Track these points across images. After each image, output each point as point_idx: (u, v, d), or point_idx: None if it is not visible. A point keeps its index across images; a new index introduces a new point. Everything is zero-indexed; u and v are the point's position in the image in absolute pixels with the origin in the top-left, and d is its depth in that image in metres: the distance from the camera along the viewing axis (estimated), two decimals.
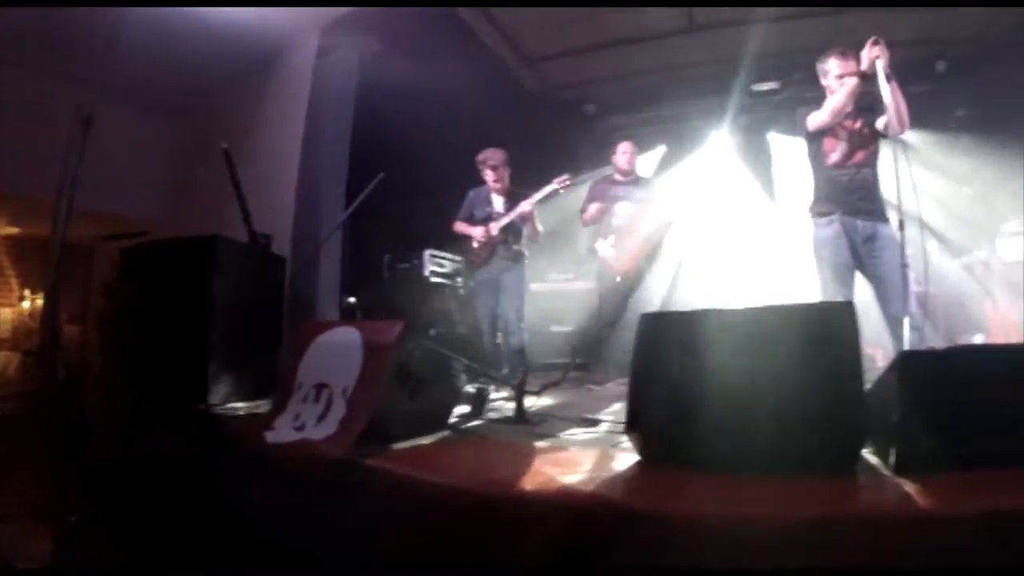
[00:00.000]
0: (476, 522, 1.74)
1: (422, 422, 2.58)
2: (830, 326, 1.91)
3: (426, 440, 2.49)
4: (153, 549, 2.54)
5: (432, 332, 5.00)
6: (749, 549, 1.45)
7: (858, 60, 3.29)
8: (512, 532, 1.67)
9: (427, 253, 5.46)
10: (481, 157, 4.78)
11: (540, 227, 4.83)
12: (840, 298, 3.26)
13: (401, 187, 4.52)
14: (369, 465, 2.09)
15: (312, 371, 2.66)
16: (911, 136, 6.95)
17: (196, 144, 5.65)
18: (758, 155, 7.41)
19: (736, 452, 1.82)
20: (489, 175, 4.77)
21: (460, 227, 4.92)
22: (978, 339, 5.57)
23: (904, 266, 3.10)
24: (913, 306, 3.25)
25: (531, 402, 3.10)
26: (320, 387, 2.55)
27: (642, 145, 7.16)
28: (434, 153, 5.53)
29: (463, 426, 2.82)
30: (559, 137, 7.50)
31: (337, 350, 2.61)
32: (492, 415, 3.09)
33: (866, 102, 3.46)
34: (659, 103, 7.55)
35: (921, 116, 6.79)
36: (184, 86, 5.57)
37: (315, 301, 4.96)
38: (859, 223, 3.36)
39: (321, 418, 2.44)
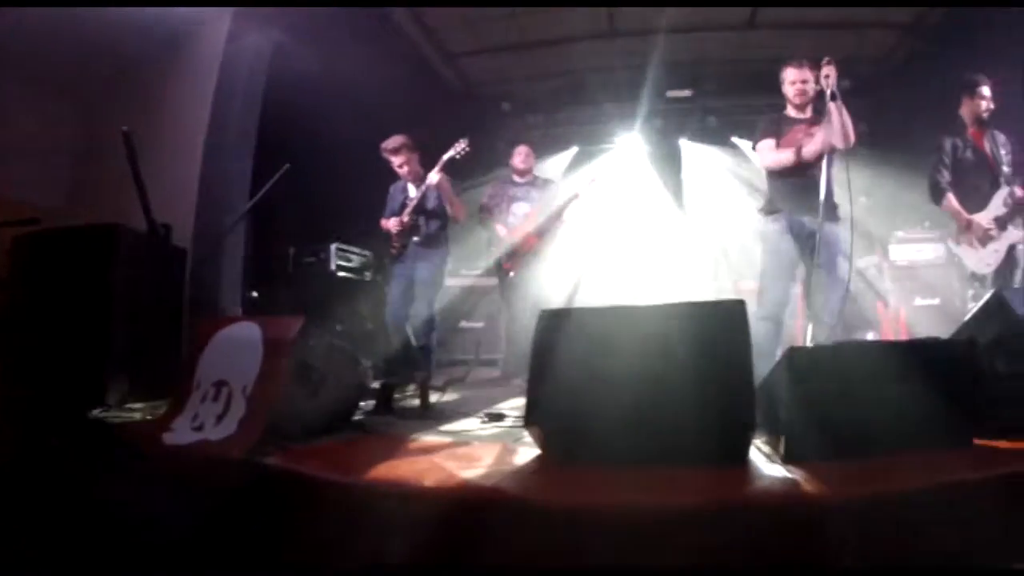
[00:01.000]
0: (377, 519, 1.73)
1: (325, 420, 2.52)
2: (722, 323, 2.00)
3: (329, 439, 2.43)
4: (38, 559, 2.37)
5: (338, 328, 4.87)
6: (645, 538, 1.50)
7: (811, 70, 3.54)
8: (412, 527, 1.67)
9: (333, 247, 5.29)
10: (383, 145, 4.59)
11: (460, 204, 4.68)
12: (775, 289, 3.49)
13: (310, 179, 4.40)
14: (269, 466, 2.03)
15: (211, 369, 2.56)
16: None
17: (101, 129, 5.30)
18: (668, 159, 7.62)
19: (632, 445, 1.87)
20: (394, 161, 4.57)
21: (383, 224, 4.71)
22: (871, 336, 5.92)
23: (833, 267, 3.35)
24: (840, 307, 3.42)
25: (436, 398, 3.10)
26: (219, 385, 2.45)
27: (555, 145, 7.33)
28: (345, 146, 5.32)
29: (367, 423, 2.77)
30: (477, 134, 7.45)
31: (237, 347, 2.51)
32: (397, 411, 3.06)
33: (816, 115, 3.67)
34: (574, 104, 7.64)
35: None
36: (88, 67, 5.22)
37: (217, 296, 4.67)
38: (806, 220, 3.51)
39: (220, 418, 2.35)
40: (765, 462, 1.91)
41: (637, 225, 7.47)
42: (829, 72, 3.31)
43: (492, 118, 7.73)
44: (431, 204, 4.59)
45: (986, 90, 4.03)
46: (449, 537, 1.63)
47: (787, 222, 3.54)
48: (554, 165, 7.28)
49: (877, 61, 7.14)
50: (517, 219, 5.00)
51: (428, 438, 2.45)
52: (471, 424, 2.75)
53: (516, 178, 5.21)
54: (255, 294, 4.91)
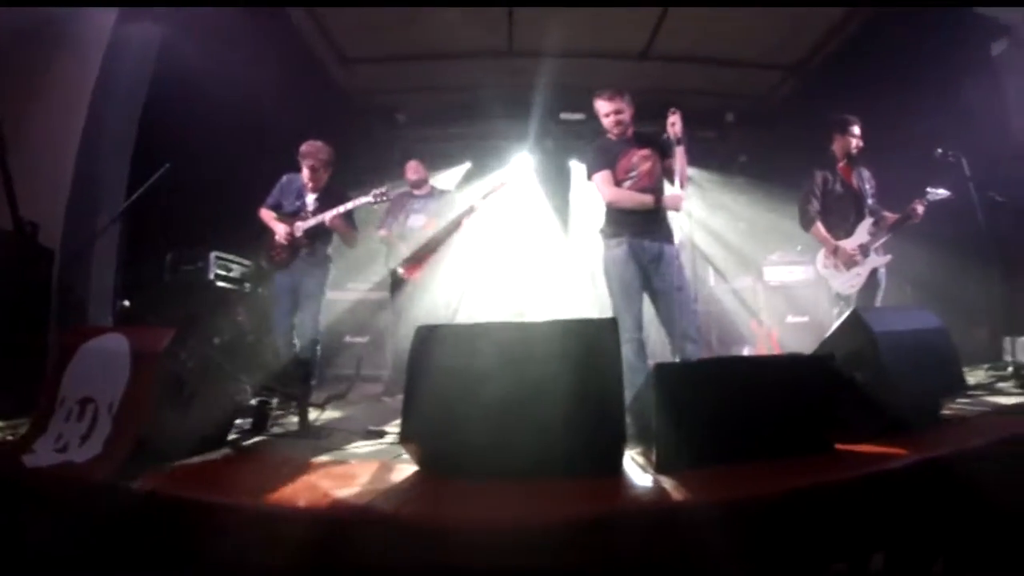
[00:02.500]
0: (248, 542, 1.69)
1: (197, 439, 2.40)
2: (593, 340, 2.09)
3: (201, 459, 2.34)
4: None
5: (215, 341, 4.67)
6: (521, 551, 1.54)
7: (622, 101, 3.72)
8: (283, 550, 1.63)
9: (213, 255, 4.99)
10: (304, 149, 4.41)
11: (355, 235, 4.61)
12: (627, 312, 3.54)
13: (191, 182, 4.18)
14: (136, 488, 1.92)
15: (76, 384, 2.39)
16: (700, 175, 7.87)
17: None
18: (558, 179, 7.82)
19: (509, 459, 1.92)
20: (306, 173, 4.42)
21: (265, 216, 4.49)
22: (746, 351, 6.33)
23: (679, 289, 3.44)
24: (694, 322, 3.58)
25: (316, 415, 3.04)
26: (85, 402, 2.30)
27: (447, 160, 7.30)
28: (230, 149, 5.12)
29: (243, 442, 2.69)
30: (369, 142, 7.34)
31: (103, 360, 2.36)
32: (276, 430, 2.98)
33: (652, 138, 3.84)
34: (469, 119, 7.65)
35: (709, 158, 7.81)
36: None
37: (86, 303, 4.35)
38: (646, 244, 3.63)
39: (85, 438, 2.20)
40: (639, 472, 2.00)
41: (524, 243, 7.62)
42: (675, 120, 3.53)
43: (385, 128, 7.65)
44: (339, 230, 4.49)
45: (857, 129, 4.41)
46: (321, 558, 1.61)
47: (629, 246, 3.63)
48: (447, 179, 7.23)
49: (760, 97, 7.64)
50: (413, 232, 4.99)
51: (306, 457, 2.39)
52: (351, 442, 2.71)
53: (413, 191, 5.24)
54: (127, 303, 4.59)
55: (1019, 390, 3.43)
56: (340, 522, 1.67)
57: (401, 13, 5.62)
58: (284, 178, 4.59)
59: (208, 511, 1.78)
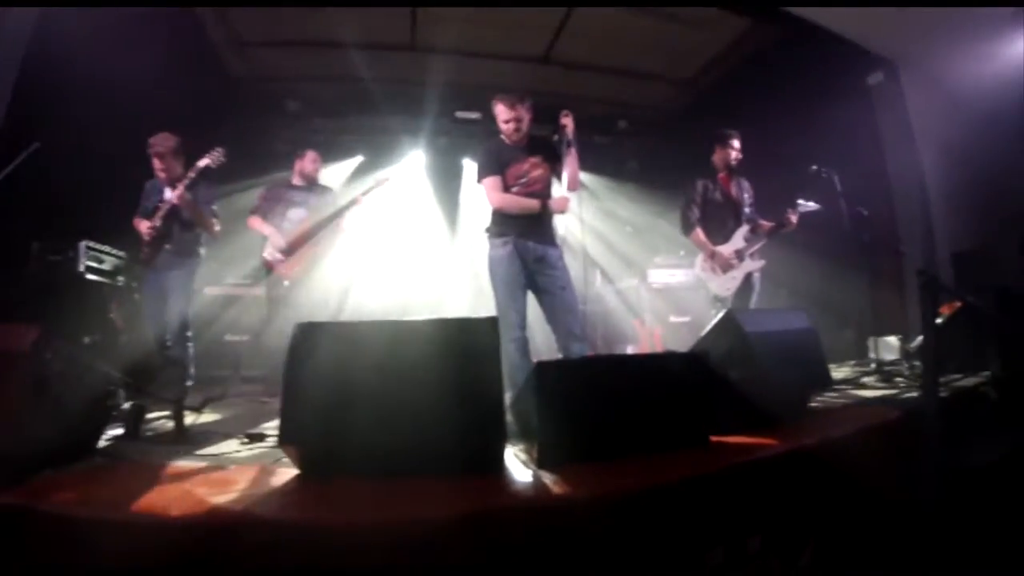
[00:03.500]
0: (122, 555, 1.58)
1: (65, 447, 2.23)
2: (474, 339, 2.10)
3: (70, 467, 2.18)
4: None
5: (85, 339, 4.34)
6: (405, 550, 1.54)
7: (523, 109, 3.70)
8: (157, 559, 1.54)
9: (83, 245, 4.68)
10: (152, 141, 4.24)
11: (212, 218, 4.42)
12: (512, 311, 3.56)
13: (62, 165, 3.87)
14: None
15: None
16: (591, 180, 8.10)
17: None
18: (450, 176, 7.84)
19: (391, 459, 1.91)
20: (156, 163, 4.24)
21: (135, 223, 4.35)
22: (630, 349, 6.58)
23: (563, 288, 3.51)
24: (580, 321, 3.65)
25: (192, 419, 2.91)
26: None
27: (339, 152, 7.11)
28: (108, 130, 4.70)
29: (115, 449, 2.51)
30: (257, 130, 7.00)
31: None
32: (149, 435, 2.83)
33: (546, 143, 3.86)
34: (364, 112, 7.48)
35: (600, 164, 8.05)
36: None
37: None
38: (531, 244, 3.66)
39: None
40: (521, 469, 2.04)
41: (411, 240, 7.60)
42: (567, 122, 3.61)
43: (276, 116, 7.33)
44: (185, 212, 4.30)
45: (736, 143, 4.71)
46: (200, 567, 1.54)
47: (513, 246, 3.66)
48: (337, 172, 7.08)
49: (652, 108, 8.00)
50: (293, 225, 4.77)
51: (182, 463, 2.27)
52: (229, 446, 2.59)
53: (296, 181, 4.99)
54: None
55: (881, 384, 3.76)
56: (217, 530, 1.60)
57: None
58: (147, 184, 4.43)
59: (75, 525, 1.65)
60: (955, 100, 5.21)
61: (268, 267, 4.72)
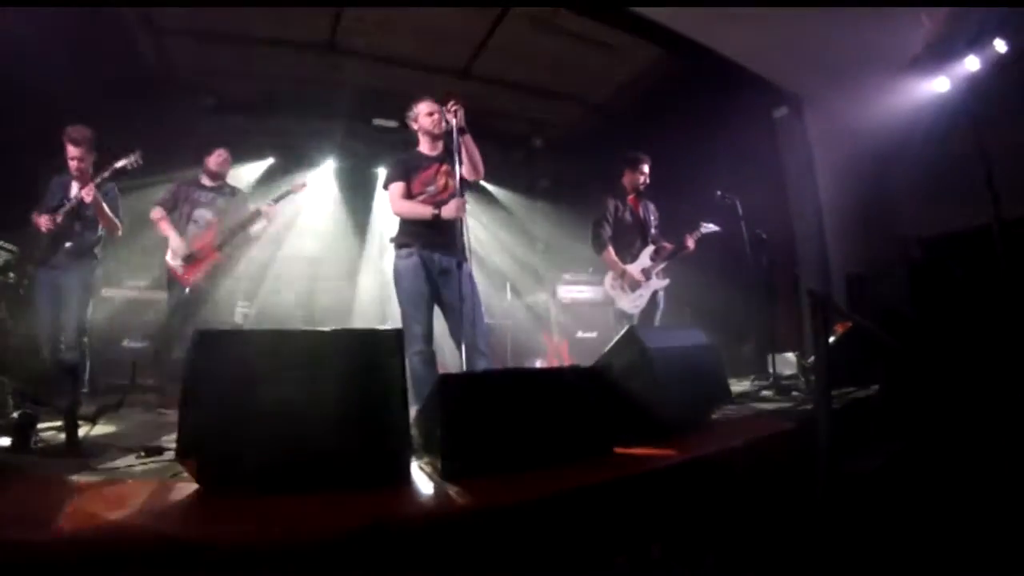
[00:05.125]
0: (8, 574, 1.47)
1: None
2: (377, 351, 2.08)
3: None
4: None
5: None
6: (305, 565, 1.49)
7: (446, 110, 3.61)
8: None
9: None
10: (67, 130, 4.04)
11: (117, 219, 4.25)
12: (416, 323, 3.54)
13: None
14: None
15: None
16: (503, 195, 8.22)
17: None
18: (363, 184, 7.80)
19: (293, 471, 1.86)
20: (72, 152, 4.03)
21: (35, 218, 4.13)
22: (538, 363, 6.67)
23: (466, 302, 3.43)
24: (485, 336, 3.63)
25: (86, 430, 2.73)
26: None
27: (250, 152, 6.90)
28: (8, 113, 4.44)
29: (1, 461, 2.34)
30: (168, 124, 6.62)
31: None
32: (40, 446, 2.63)
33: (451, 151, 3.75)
34: (278, 113, 7.31)
35: (513, 180, 8.18)
36: None
37: None
38: (436, 256, 3.62)
39: None
40: (425, 481, 2.02)
41: (319, 248, 7.53)
42: (457, 109, 3.49)
43: (187, 110, 6.93)
44: (90, 211, 4.12)
45: (646, 167, 4.93)
46: None
47: (419, 257, 3.63)
48: (247, 172, 6.89)
49: (567, 128, 8.20)
50: (198, 227, 4.60)
51: (75, 478, 2.13)
52: (126, 460, 2.44)
53: (204, 181, 4.79)
54: None
55: (779, 397, 3.96)
56: (109, 547, 1.50)
57: None
58: (53, 180, 4.25)
59: None
60: (852, 133, 5.62)
61: (170, 272, 4.52)
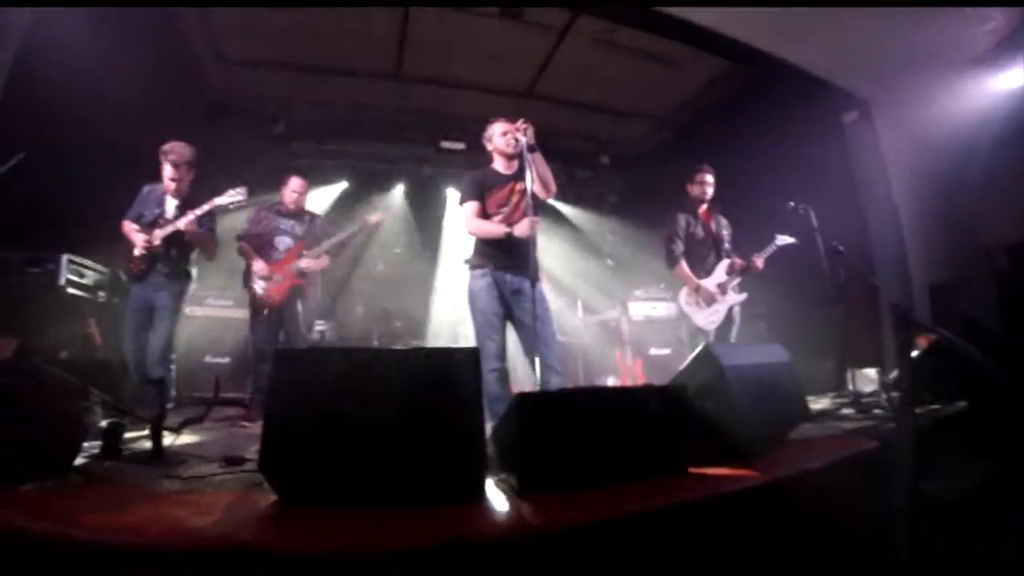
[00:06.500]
0: (96, 574, 1.55)
1: (41, 461, 2.19)
2: (454, 370, 2.12)
3: (45, 483, 2.14)
4: None
5: (63, 354, 4.25)
6: None
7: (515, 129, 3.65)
8: None
9: (65, 258, 4.63)
10: (166, 148, 4.18)
11: (213, 246, 4.41)
12: (490, 342, 3.56)
13: (46, 175, 3.81)
14: None
15: None
16: (572, 213, 8.23)
17: None
18: (433, 206, 7.95)
19: (370, 486, 1.90)
20: (169, 171, 4.16)
21: (127, 228, 4.20)
22: (611, 381, 6.56)
23: (540, 321, 3.42)
24: (557, 354, 3.61)
25: (170, 440, 2.86)
26: None
27: (324, 177, 7.15)
28: (92, 142, 4.70)
29: (90, 468, 2.46)
30: (241, 152, 6.94)
31: None
32: (127, 454, 2.75)
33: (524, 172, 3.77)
34: (350, 139, 7.54)
35: (582, 198, 8.19)
36: None
37: None
38: (508, 276, 3.66)
39: None
40: (501, 498, 2.03)
41: (394, 270, 7.67)
42: (527, 127, 3.53)
43: (260, 138, 7.29)
44: (192, 238, 4.25)
45: (709, 178, 4.81)
46: None
47: (492, 278, 3.67)
48: (321, 197, 7.16)
49: (633, 144, 8.19)
50: (279, 253, 4.77)
51: (158, 485, 2.24)
52: (208, 469, 2.55)
53: (283, 208, 4.96)
54: None
55: (859, 416, 3.79)
56: (194, 552, 1.57)
57: (291, 21, 5.53)
58: (145, 188, 4.33)
59: (47, 542, 1.62)
60: (927, 135, 5.35)
61: (252, 295, 4.71)
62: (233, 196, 4.30)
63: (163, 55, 5.45)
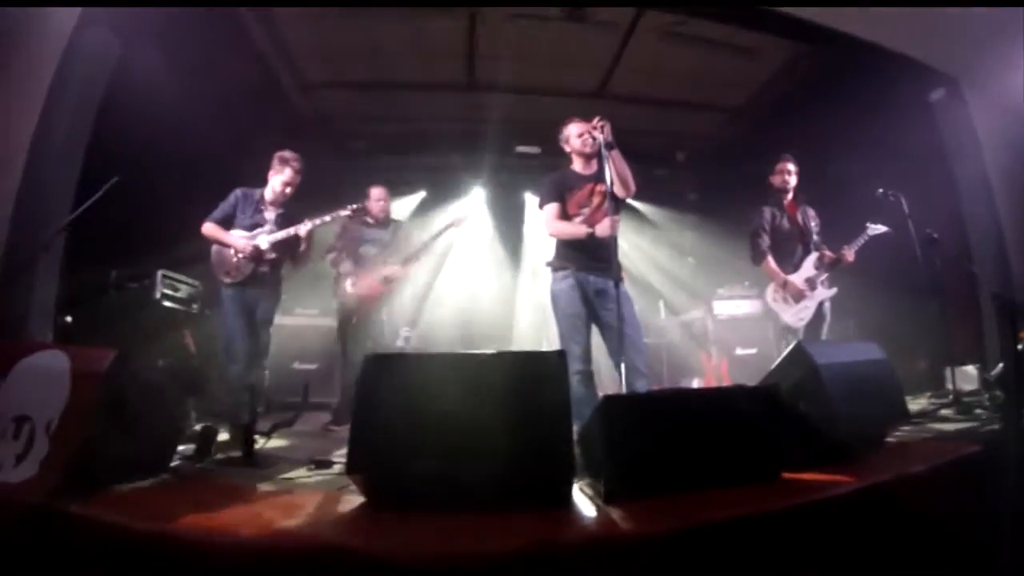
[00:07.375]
0: (192, 571, 1.63)
1: (139, 463, 2.33)
2: (541, 372, 2.10)
3: (143, 483, 2.26)
4: None
5: (159, 363, 4.47)
6: None
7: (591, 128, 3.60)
8: None
9: (160, 273, 4.87)
10: (287, 155, 4.26)
11: (312, 250, 4.45)
12: (575, 344, 3.53)
13: (139, 197, 3.99)
14: (73, 512, 1.84)
15: (12, 402, 2.26)
16: (651, 212, 8.10)
17: None
18: (511, 211, 7.98)
19: (456, 490, 1.90)
20: (288, 175, 4.22)
21: (215, 231, 4.15)
22: (696, 383, 6.44)
23: (625, 322, 3.35)
24: (643, 355, 3.54)
25: (261, 443, 2.97)
26: (21, 420, 2.18)
27: (403, 188, 7.29)
28: (181, 165, 5.01)
29: (185, 469, 2.59)
30: (322, 168, 7.20)
31: (41, 378, 2.26)
32: (219, 457, 2.88)
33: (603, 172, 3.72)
34: (426, 150, 7.69)
35: (659, 196, 8.05)
36: None
37: (27, 317, 4.15)
38: (591, 278, 3.62)
39: (21, 458, 2.10)
40: (587, 503, 2.00)
41: (476, 274, 7.74)
42: (604, 124, 3.45)
43: (341, 155, 7.58)
44: (304, 246, 4.30)
45: (790, 167, 4.60)
46: None
47: (575, 279, 3.63)
48: (401, 207, 7.30)
49: (709, 138, 7.96)
50: (365, 262, 4.92)
51: (250, 486, 2.33)
52: (297, 472, 2.64)
53: (368, 218, 5.09)
54: (69, 319, 4.37)
55: (960, 416, 3.55)
56: (286, 552, 1.63)
57: (364, 42, 5.70)
58: (239, 191, 4.31)
59: (145, 539, 1.72)
60: (1018, 109, 4.96)
61: (340, 303, 4.87)
62: (357, 211, 4.53)
63: (246, 80, 5.76)
